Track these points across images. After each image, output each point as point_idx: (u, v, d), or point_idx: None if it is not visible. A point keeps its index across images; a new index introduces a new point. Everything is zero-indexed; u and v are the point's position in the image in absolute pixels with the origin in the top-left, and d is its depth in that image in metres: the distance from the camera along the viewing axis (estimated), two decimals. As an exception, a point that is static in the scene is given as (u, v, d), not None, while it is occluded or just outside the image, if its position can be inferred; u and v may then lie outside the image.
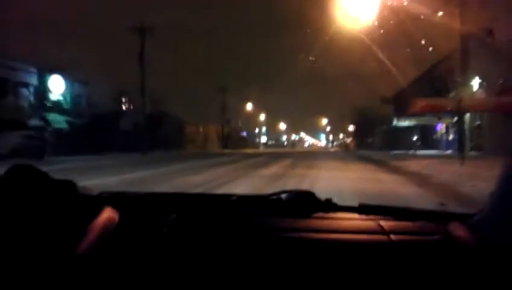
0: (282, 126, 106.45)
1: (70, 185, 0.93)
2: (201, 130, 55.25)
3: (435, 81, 24.14)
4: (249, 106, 75.32)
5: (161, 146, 37.96)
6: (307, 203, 1.03)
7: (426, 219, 0.98)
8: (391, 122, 31.42)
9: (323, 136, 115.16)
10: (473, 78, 20.38)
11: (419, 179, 9.41)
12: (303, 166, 15.46)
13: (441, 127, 30.06)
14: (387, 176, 11.18)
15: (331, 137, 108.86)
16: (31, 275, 0.75)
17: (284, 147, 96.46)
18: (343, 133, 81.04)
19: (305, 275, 0.82)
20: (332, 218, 1.00)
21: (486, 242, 0.75)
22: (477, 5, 14.87)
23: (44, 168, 0.94)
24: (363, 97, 48.00)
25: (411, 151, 24.69)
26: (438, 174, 9.40)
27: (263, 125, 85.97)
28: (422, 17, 15.02)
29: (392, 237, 0.89)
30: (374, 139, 46.03)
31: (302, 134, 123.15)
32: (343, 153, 35.67)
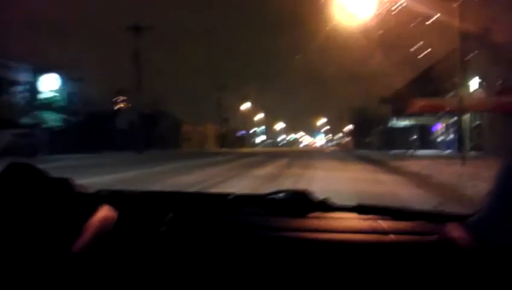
0: (281, 125, 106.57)
1: (66, 183, 0.92)
2: (198, 129, 55.09)
3: (433, 81, 23.95)
4: (247, 105, 75.19)
5: (158, 145, 37.72)
6: (303, 202, 1.02)
7: (423, 219, 0.97)
8: (389, 122, 31.27)
9: (321, 136, 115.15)
10: (472, 78, 20.21)
11: (419, 180, 9.18)
12: (299, 166, 15.23)
13: (439, 127, 29.92)
14: (386, 176, 10.90)
15: (329, 136, 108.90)
16: (26, 273, 0.76)
17: (282, 146, 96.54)
18: (342, 133, 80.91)
19: (302, 275, 0.83)
20: (328, 218, 0.99)
21: (484, 243, 0.74)
22: (476, 5, 14.68)
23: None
24: (361, 97, 47.94)
25: (410, 151, 24.46)
26: (438, 175, 9.23)
27: (261, 124, 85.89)
28: (420, 18, 14.81)
29: (389, 237, 0.89)
30: (372, 138, 45.86)
31: (301, 133, 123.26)
32: (341, 153, 35.49)
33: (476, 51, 17.08)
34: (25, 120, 25.02)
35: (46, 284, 0.77)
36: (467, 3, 13.31)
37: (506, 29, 17.77)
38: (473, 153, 18.91)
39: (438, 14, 14.38)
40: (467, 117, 19.10)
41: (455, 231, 0.83)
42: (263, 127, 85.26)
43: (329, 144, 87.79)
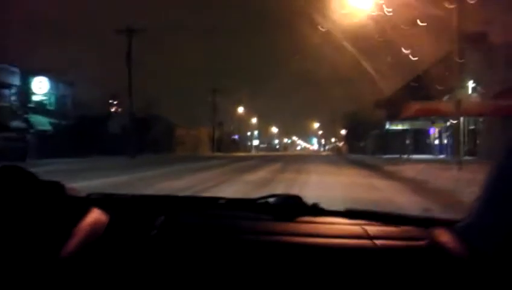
0: (274, 130, 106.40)
1: (57, 186, 0.91)
2: (192, 133, 54.77)
3: (427, 85, 23.89)
4: (241, 110, 74.93)
5: (151, 149, 37.32)
6: (294, 207, 1.03)
7: (412, 224, 0.97)
8: (384, 126, 31.17)
9: (315, 140, 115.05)
10: (468, 81, 20.13)
11: (415, 186, 8.97)
12: (292, 170, 15.04)
13: (434, 132, 29.88)
14: (381, 182, 10.68)
15: (323, 141, 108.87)
16: (14, 277, 0.75)
17: (276, 150, 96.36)
18: (335, 137, 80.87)
19: (291, 279, 0.83)
20: (318, 222, 0.99)
21: (472, 248, 0.74)
22: (472, 8, 14.58)
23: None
24: (355, 101, 47.79)
25: (405, 156, 24.30)
26: (434, 180, 9.03)
27: (255, 128, 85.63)
28: (415, 20, 14.67)
29: (377, 242, 0.89)
30: (366, 143, 45.77)
31: (294, 138, 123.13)
32: (335, 157, 35.34)
33: (473, 54, 16.99)
34: (14, 124, 24.58)
35: (36, 287, 0.76)
36: (463, 6, 13.19)
37: (502, 32, 17.75)
38: (467, 157, 18.80)
39: (433, 17, 14.26)
40: (461, 121, 18.99)
41: (443, 236, 0.83)
42: (256, 132, 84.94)
43: (322, 148, 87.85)
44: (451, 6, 12.87)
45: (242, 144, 76.34)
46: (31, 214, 0.81)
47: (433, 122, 24.75)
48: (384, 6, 14.52)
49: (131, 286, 0.83)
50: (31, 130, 26.05)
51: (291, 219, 0.99)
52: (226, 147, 59.82)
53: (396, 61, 19.72)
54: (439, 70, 19.50)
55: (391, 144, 32.59)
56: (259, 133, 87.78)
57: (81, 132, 30.44)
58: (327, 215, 1.03)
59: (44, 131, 27.89)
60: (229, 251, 0.88)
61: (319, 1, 20.96)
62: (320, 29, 16.51)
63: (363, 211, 1.03)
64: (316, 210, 1.03)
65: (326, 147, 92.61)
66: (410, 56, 15.76)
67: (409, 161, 20.09)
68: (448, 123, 19.91)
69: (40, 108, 28.85)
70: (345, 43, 18.00)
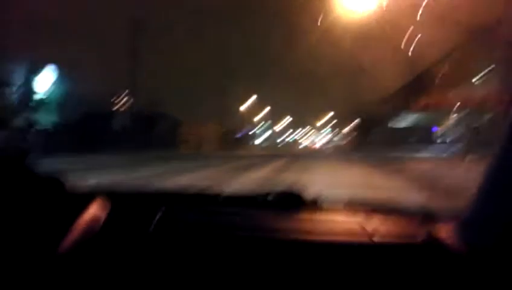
0: (282, 125, 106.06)
1: (57, 182, 0.91)
2: (198, 129, 54.62)
3: (435, 80, 23.51)
4: (250, 103, 74.46)
5: (154, 147, 37.24)
6: (293, 203, 1.03)
7: (411, 219, 0.96)
8: (390, 121, 30.83)
9: (327, 130, 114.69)
10: (479, 73, 19.72)
11: (427, 183, 8.63)
12: (296, 170, 14.75)
13: (440, 128, 29.50)
14: (389, 181, 10.33)
15: (330, 136, 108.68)
16: (12, 272, 0.75)
17: (281, 147, 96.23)
18: (341, 133, 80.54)
19: (290, 276, 0.82)
20: (318, 218, 0.99)
21: (471, 243, 0.74)
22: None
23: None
24: (360, 97, 47.30)
25: (412, 153, 23.89)
26: (442, 178, 8.75)
27: (267, 119, 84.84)
28: (423, 13, 14.31)
29: (376, 238, 0.89)
30: (372, 137, 45.33)
31: (301, 132, 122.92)
32: (340, 153, 34.93)
33: (485, 46, 16.58)
34: (16, 121, 24.66)
35: (32, 283, 0.76)
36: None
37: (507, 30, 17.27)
38: (472, 155, 18.44)
39: (443, 9, 13.90)
40: (468, 117, 18.61)
41: (443, 232, 0.81)
42: (270, 122, 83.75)
43: (335, 138, 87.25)
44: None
45: (247, 141, 75.84)
46: (30, 209, 0.81)
47: (440, 117, 24.36)
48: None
49: (130, 282, 0.82)
50: (34, 128, 26.06)
51: (291, 214, 1.00)
52: (231, 144, 59.51)
53: (403, 56, 19.33)
54: (448, 65, 19.11)
55: (397, 140, 32.07)
56: (270, 125, 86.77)
57: (85, 129, 30.46)
58: (326, 211, 1.03)
59: (47, 129, 27.90)
60: (227, 248, 0.87)
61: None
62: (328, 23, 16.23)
63: (361, 207, 1.03)
64: (316, 206, 1.04)
65: (334, 139, 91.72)
66: (419, 50, 15.40)
67: (415, 157, 19.68)
68: (455, 118, 19.48)
69: (43, 106, 28.87)
70: (350, 37, 17.68)
